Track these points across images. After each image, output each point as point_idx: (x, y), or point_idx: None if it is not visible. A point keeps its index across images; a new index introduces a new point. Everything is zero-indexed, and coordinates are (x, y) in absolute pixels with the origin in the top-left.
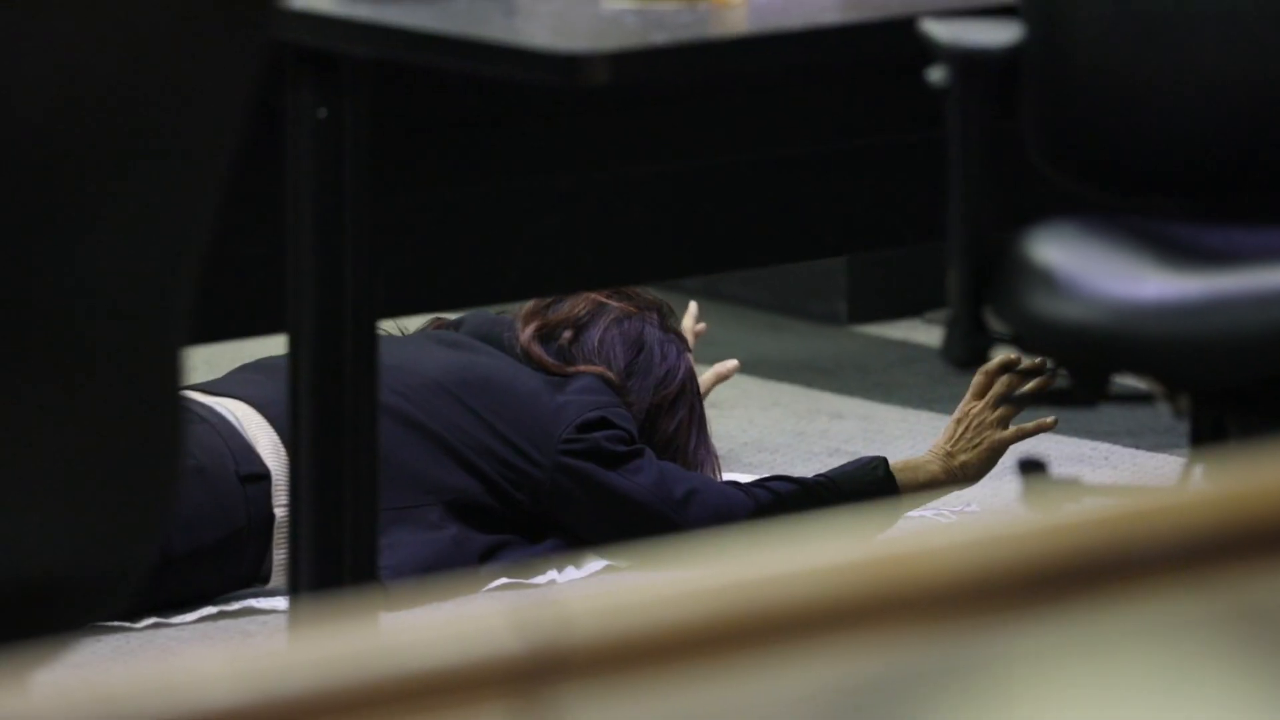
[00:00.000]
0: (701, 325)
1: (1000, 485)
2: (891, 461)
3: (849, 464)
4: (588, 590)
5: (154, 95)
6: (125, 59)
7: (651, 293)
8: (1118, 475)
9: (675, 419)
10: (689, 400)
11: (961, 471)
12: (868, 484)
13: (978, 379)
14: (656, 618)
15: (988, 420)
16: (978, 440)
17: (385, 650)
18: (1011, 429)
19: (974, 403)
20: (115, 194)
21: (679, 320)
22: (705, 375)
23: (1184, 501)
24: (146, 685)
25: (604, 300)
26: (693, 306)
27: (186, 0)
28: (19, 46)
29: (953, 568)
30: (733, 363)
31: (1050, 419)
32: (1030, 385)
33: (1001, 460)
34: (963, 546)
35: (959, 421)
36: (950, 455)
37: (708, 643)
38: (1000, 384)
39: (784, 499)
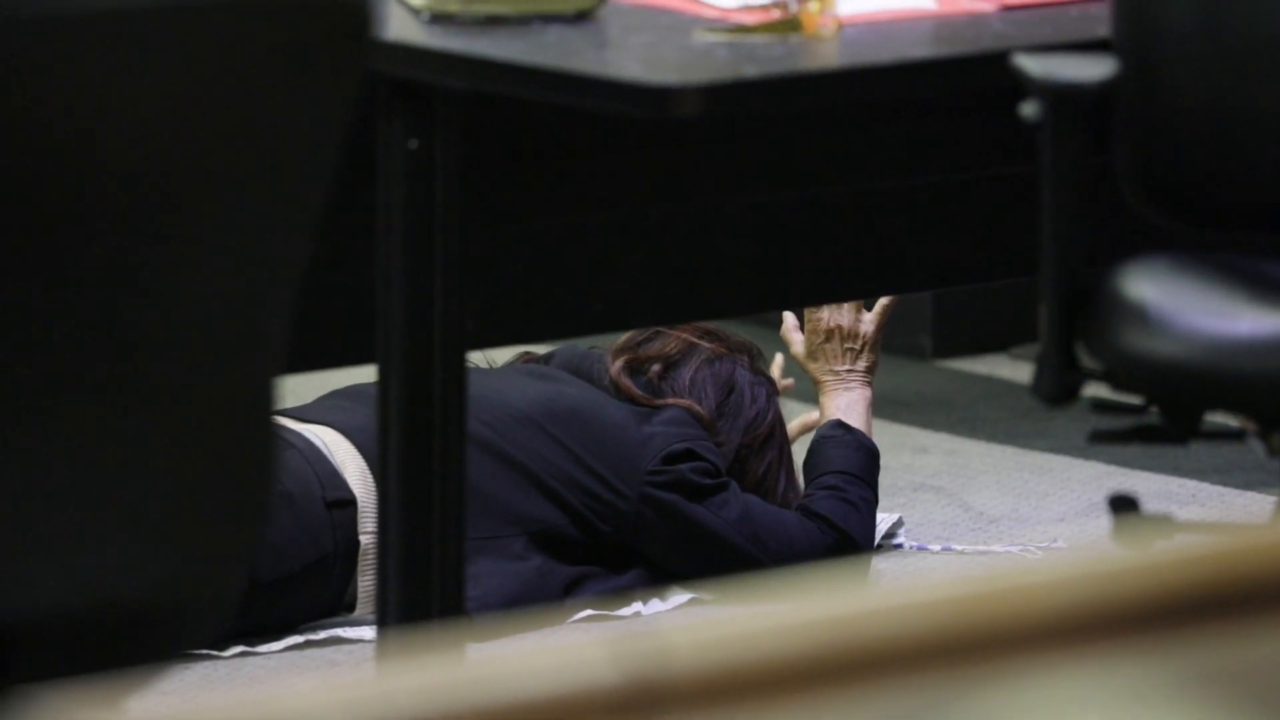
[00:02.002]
0: (789, 381)
1: (1086, 522)
2: (830, 416)
3: (820, 444)
4: (685, 622)
5: (250, 128)
6: (222, 93)
7: (741, 335)
8: (1205, 513)
9: (765, 461)
10: (778, 443)
11: (868, 374)
12: (857, 452)
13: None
14: (756, 651)
15: (848, 322)
16: (857, 344)
17: (485, 680)
18: (873, 313)
19: (818, 316)
20: (211, 226)
21: (768, 363)
22: (792, 424)
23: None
24: (243, 713)
25: (695, 340)
26: (779, 359)
27: (283, 35)
28: (118, 83)
29: (1047, 603)
30: (818, 413)
31: (890, 298)
32: (882, 307)
33: (1088, 497)
34: (1057, 583)
35: (827, 340)
36: (852, 372)
37: (807, 676)
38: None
39: (842, 521)
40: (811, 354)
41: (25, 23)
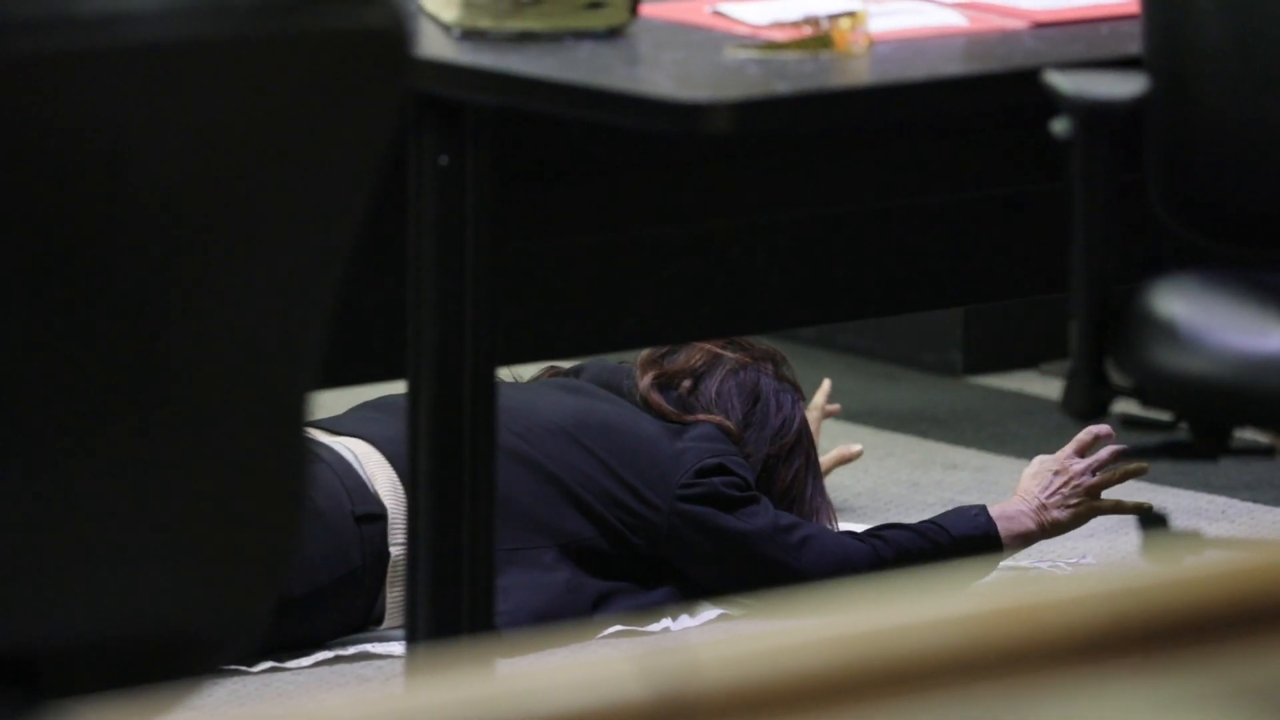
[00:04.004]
0: (835, 406)
1: (1115, 539)
2: (991, 508)
3: (951, 511)
4: (713, 637)
5: (289, 156)
6: (260, 122)
7: (765, 342)
8: (1235, 529)
9: (792, 468)
10: (805, 450)
11: (1052, 528)
12: (972, 529)
13: (1083, 436)
14: (784, 666)
15: (1087, 484)
16: (1073, 501)
17: (514, 696)
18: (1110, 500)
19: (1074, 459)
20: (249, 253)
21: (794, 370)
22: (828, 456)
23: None
24: None
25: (719, 351)
26: (825, 384)
27: (322, 65)
28: (157, 114)
29: (1076, 619)
30: (857, 447)
31: (1146, 504)
32: (1119, 471)
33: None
34: (1086, 599)
35: (1058, 474)
36: (1044, 508)
37: (835, 692)
38: (1107, 452)
39: (898, 548)
40: (1058, 472)
41: (67, 56)
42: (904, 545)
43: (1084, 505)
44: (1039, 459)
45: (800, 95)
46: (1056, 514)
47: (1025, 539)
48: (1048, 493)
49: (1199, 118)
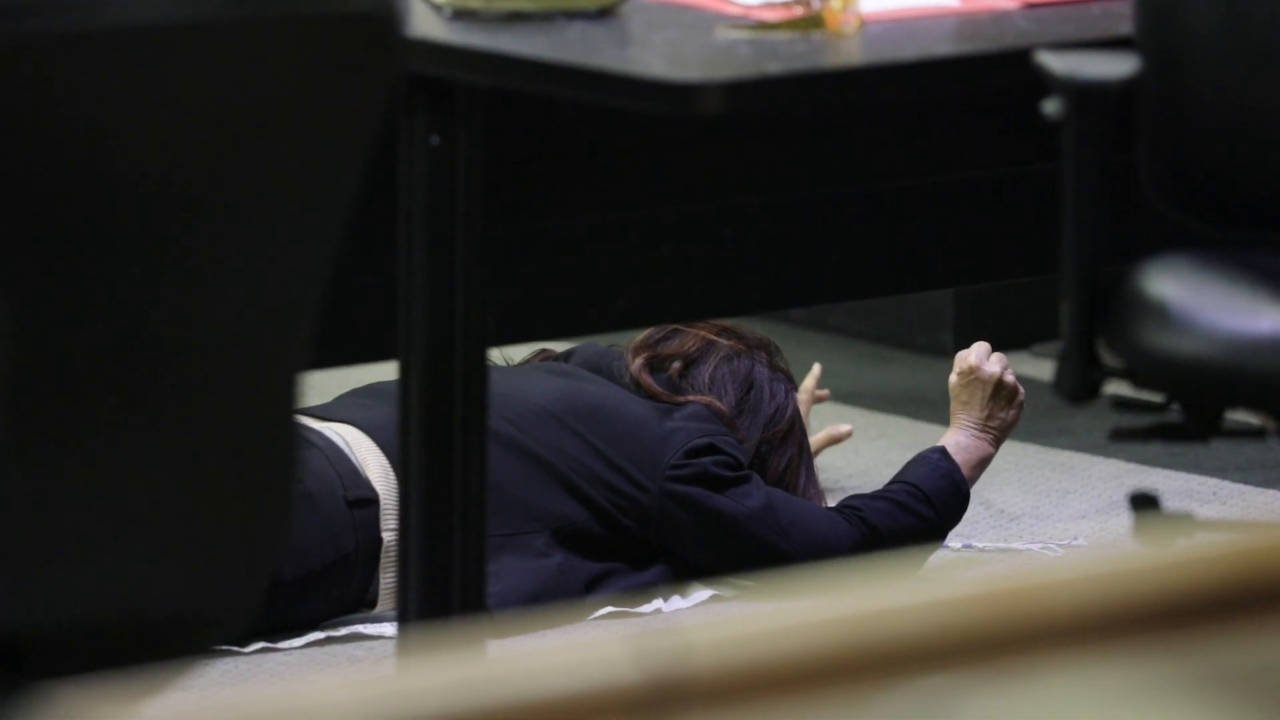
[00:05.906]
0: (825, 392)
1: (1107, 520)
2: (943, 443)
3: (912, 461)
4: (706, 619)
5: (280, 139)
6: (251, 106)
7: (758, 331)
8: (1226, 511)
9: (785, 457)
10: (797, 438)
11: (1004, 433)
12: (940, 479)
13: (962, 355)
14: (776, 648)
15: (1008, 381)
16: (1004, 400)
17: (505, 677)
18: (1004, 372)
19: (977, 366)
20: (240, 236)
21: (786, 360)
22: (818, 436)
23: None
24: (264, 710)
25: (713, 338)
26: (816, 369)
27: (314, 48)
28: (148, 97)
29: (1068, 601)
30: (846, 427)
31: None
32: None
33: (1109, 494)
34: (1077, 580)
35: (972, 384)
36: (989, 420)
37: (827, 674)
38: (975, 348)
39: (880, 523)
40: (957, 396)
41: (54, 38)
42: (878, 513)
43: (1015, 397)
44: (957, 385)
45: (792, 76)
46: (1003, 417)
47: (985, 461)
48: (983, 407)
49: (1190, 98)
